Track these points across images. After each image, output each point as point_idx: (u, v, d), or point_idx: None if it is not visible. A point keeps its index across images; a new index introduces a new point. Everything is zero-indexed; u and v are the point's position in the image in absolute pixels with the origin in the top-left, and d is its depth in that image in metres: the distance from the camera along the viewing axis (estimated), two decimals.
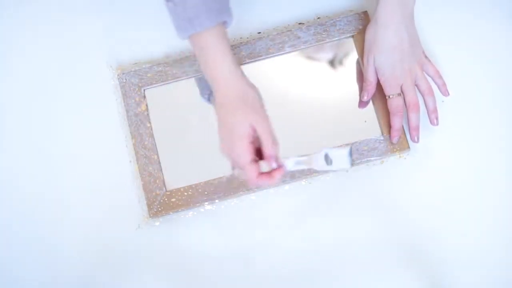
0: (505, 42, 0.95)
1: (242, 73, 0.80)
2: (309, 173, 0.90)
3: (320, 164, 0.79)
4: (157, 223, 0.92)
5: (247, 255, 0.90)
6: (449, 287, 0.88)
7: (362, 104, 0.93)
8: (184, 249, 0.91)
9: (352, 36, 0.95)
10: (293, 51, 0.95)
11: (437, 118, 0.89)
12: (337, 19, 0.95)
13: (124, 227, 0.92)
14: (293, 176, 0.91)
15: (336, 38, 0.95)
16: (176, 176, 0.92)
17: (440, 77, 0.90)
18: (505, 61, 0.95)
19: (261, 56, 0.95)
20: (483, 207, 0.90)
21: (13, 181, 0.94)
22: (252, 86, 0.80)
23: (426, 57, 0.90)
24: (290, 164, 0.80)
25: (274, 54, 0.95)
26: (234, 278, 0.90)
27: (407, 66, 0.87)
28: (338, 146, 0.88)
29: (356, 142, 0.91)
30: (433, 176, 0.91)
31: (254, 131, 0.77)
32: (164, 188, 0.91)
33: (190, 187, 0.91)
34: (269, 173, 0.77)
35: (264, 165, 0.78)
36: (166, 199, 0.91)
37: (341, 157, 0.79)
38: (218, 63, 0.78)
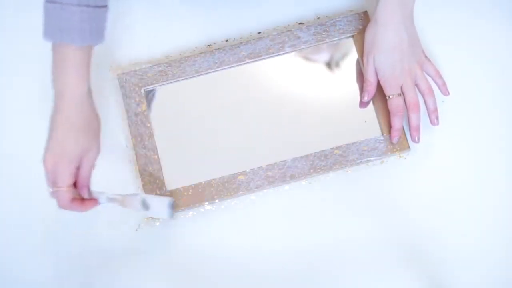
0: (505, 42, 0.95)
1: (92, 100, 0.81)
2: (308, 173, 0.91)
3: (135, 206, 0.85)
4: (157, 223, 0.92)
5: (247, 255, 0.90)
6: (449, 287, 0.88)
7: (362, 104, 0.93)
8: (184, 249, 0.91)
9: (352, 36, 0.95)
10: (293, 51, 0.95)
11: (437, 118, 0.89)
12: (337, 19, 0.95)
13: (124, 227, 0.91)
14: (293, 176, 0.91)
15: (336, 38, 0.95)
16: (176, 176, 0.92)
17: (440, 77, 0.90)
18: (505, 61, 0.95)
19: (261, 56, 0.95)
20: (483, 207, 0.90)
21: (13, 181, 0.94)
22: (97, 116, 0.82)
23: (426, 57, 0.90)
24: (102, 198, 0.84)
25: (274, 54, 0.95)
26: (234, 278, 0.90)
27: (407, 66, 0.87)
28: (159, 196, 0.89)
29: (356, 142, 0.91)
30: (433, 176, 0.91)
31: (82, 159, 0.80)
32: (164, 188, 0.91)
33: (190, 187, 0.91)
34: (82, 200, 0.82)
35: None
36: None
37: (160, 206, 0.85)
38: (74, 84, 0.78)
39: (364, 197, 0.91)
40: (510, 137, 0.92)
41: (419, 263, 0.89)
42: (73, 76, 0.78)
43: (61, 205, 0.81)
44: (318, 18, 0.97)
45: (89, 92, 0.80)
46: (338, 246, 0.90)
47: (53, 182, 0.81)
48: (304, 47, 0.95)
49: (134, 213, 0.92)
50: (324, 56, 0.96)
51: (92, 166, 0.82)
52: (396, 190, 0.91)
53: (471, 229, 0.89)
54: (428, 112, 0.89)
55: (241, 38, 0.97)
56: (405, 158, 0.92)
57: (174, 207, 0.88)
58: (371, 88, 0.90)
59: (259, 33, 0.97)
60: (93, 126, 0.81)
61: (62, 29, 0.76)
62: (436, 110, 0.89)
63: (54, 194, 0.81)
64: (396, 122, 0.89)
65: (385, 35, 0.87)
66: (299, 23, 0.97)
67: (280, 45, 0.95)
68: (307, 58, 0.96)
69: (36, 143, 0.95)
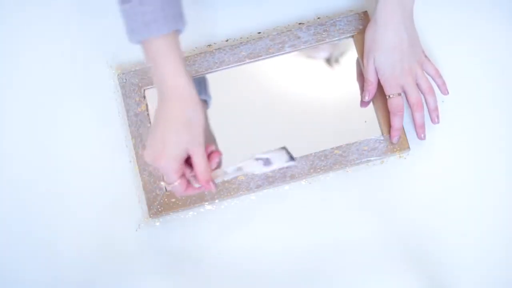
0: (505, 42, 0.95)
1: (193, 88, 0.77)
2: (308, 173, 0.91)
3: (257, 167, 0.79)
4: (157, 223, 0.92)
5: (247, 255, 0.90)
6: (449, 287, 0.88)
7: (363, 104, 0.93)
8: (184, 249, 0.91)
9: (352, 36, 0.95)
10: (293, 51, 0.95)
11: (438, 116, 0.89)
12: (337, 19, 0.95)
13: (124, 228, 0.92)
14: (293, 176, 0.91)
15: (336, 38, 0.95)
16: None
17: (440, 76, 0.90)
18: (505, 61, 0.95)
19: (261, 56, 0.95)
20: (483, 207, 0.90)
21: (13, 181, 0.94)
22: (200, 106, 0.78)
23: (425, 56, 0.90)
24: (225, 175, 0.80)
25: (274, 54, 0.95)
26: (234, 278, 0.90)
27: (407, 65, 0.87)
28: (269, 151, 0.83)
29: (356, 142, 0.91)
30: (433, 176, 0.91)
31: (188, 156, 0.77)
32: (164, 188, 0.91)
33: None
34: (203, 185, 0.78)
35: (194, 181, 0.79)
36: (166, 199, 0.91)
37: (278, 157, 0.79)
38: (171, 75, 0.76)
39: (364, 197, 0.91)
40: (510, 137, 0.92)
41: (419, 263, 0.89)
42: (170, 68, 0.76)
43: (178, 195, 0.80)
44: (318, 18, 0.97)
45: (189, 81, 0.77)
46: (338, 246, 0.90)
47: (164, 177, 0.79)
48: (304, 47, 0.95)
49: (134, 213, 0.92)
50: (324, 56, 0.96)
51: (203, 161, 0.77)
52: (396, 190, 0.91)
53: (471, 229, 0.89)
54: (429, 111, 0.90)
55: (241, 38, 0.97)
56: (405, 158, 0.92)
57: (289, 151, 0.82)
58: (371, 88, 0.90)
59: (259, 33, 0.97)
60: (195, 121, 0.77)
61: (146, 23, 0.74)
62: (436, 109, 0.89)
63: (167, 186, 0.79)
64: (396, 122, 0.89)
65: (385, 35, 0.87)
66: (299, 23, 0.97)
67: (280, 45, 0.95)
68: (308, 56, 0.96)
69: (36, 143, 0.95)
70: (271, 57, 0.95)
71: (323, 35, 0.95)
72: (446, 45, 0.95)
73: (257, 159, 0.80)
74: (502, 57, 0.95)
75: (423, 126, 0.89)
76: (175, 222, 0.92)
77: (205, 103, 0.77)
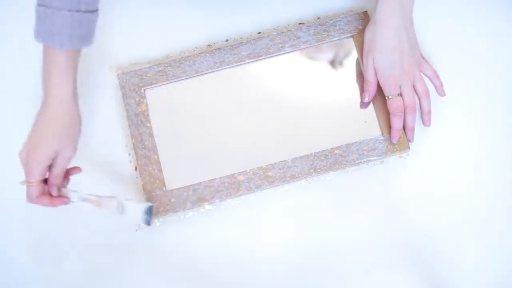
0: (505, 42, 0.95)
1: (76, 105, 0.83)
2: (308, 173, 0.91)
3: (111, 209, 0.85)
4: (157, 223, 0.92)
5: (247, 255, 0.90)
6: (449, 287, 0.88)
7: (363, 105, 0.93)
8: (184, 249, 0.91)
9: (352, 36, 0.95)
10: (293, 51, 0.95)
11: (430, 120, 0.90)
12: (337, 19, 0.95)
13: (124, 228, 0.92)
14: (293, 176, 0.91)
15: (336, 38, 0.95)
16: (176, 176, 0.92)
17: (438, 77, 0.90)
18: (505, 61, 0.95)
19: (261, 56, 0.95)
20: (483, 207, 0.90)
21: (13, 181, 0.94)
22: (78, 115, 0.84)
23: (423, 58, 0.90)
24: (74, 197, 0.85)
25: (274, 54, 0.95)
26: (234, 278, 0.90)
27: (406, 66, 0.88)
28: (138, 201, 0.90)
29: (356, 142, 0.91)
30: (433, 176, 0.91)
31: (56, 157, 0.81)
32: (164, 188, 0.91)
33: (190, 187, 0.91)
34: (52, 196, 0.83)
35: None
36: (166, 199, 0.91)
37: (136, 211, 0.85)
38: (59, 85, 0.81)
39: (364, 197, 0.91)
40: (510, 137, 0.92)
41: (419, 263, 0.89)
42: (59, 78, 0.81)
43: (28, 199, 0.83)
44: (318, 18, 0.97)
45: (74, 93, 0.83)
46: (338, 246, 0.90)
47: (25, 175, 0.83)
48: (304, 47, 0.95)
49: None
50: (324, 56, 0.96)
51: (64, 166, 0.83)
52: (396, 190, 0.91)
53: (471, 229, 0.89)
54: (422, 114, 0.90)
55: (241, 38, 0.97)
56: (405, 158, 0.92)
57: (152, 214, 0.87)
58: (371, 88, 0.90)
59: (259, 33, 0.97)
60: (73, 126, 0.83)
61: (52, 33, 0.78)
62: (430, 112, 0.90)
63: (25, 185, 0.83)
64: (396, 122, 0.89)
65: (385, 35, 0.87)
66: (299, 23, 0.97)
67: (280, 45, 0.95)
68: (308, 56, 0.96)
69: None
70: (271, 57, 0.95)
71: (323, 35, 0.95)
72: (445, 45, 0.95)
73: (114, 199, 0.85)
74: (502, 57, 0.95)
75: (413, 129, 0.90)
76: (175, 222, 0.92)
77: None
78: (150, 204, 0.87)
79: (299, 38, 0.95)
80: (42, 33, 0.79)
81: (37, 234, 0.92)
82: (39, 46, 0.98)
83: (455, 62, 0.95)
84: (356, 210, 0.91)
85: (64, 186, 0.86)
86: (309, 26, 0.96)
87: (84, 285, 0.90)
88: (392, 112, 0.89)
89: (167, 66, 0.95)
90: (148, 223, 0.86)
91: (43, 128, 0.82)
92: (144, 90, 0.95)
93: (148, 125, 0.94)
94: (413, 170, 0.92)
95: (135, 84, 0.95)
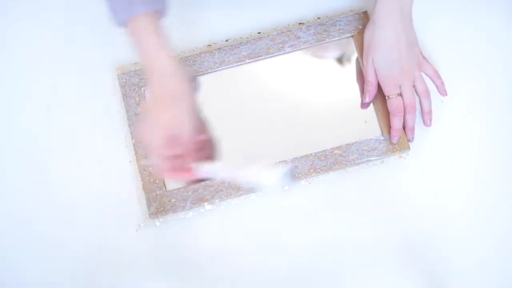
0: (505, 42, 0.95)
1: (178, 65, 0.80)
2: (308, 173, 0.90)
3: (249, 179, 0.77)
4: (157, 223, 0.92)
5: (247, 255, 0.90)
6: (449, 287, 0.88)
7: (364, 105, 0.93)
8: (184, 249, 0.91)
9: (352, 36, 0.95)
10: (293, 51, 0.95)
11: (430, 120, 0.90)
12: (337, 19, 0.95)
13: (124, 228, 0.92)
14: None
15: (336, 38, 0.95)
16: None
17: (439, 77, 0.90)
18: (505, 61, 0.95)
19: (261, 56, 0.95)
20: (484, 207, 0.90)
21: (13, 181, 0.94)
22: (187, 80, 0.80)
23: (424, 57, 0.90)
24: (209, 171, 0.80)
25: (274, 54, 0.95)
26: (234, 278, 0.90)
27: (406, 66, 0.88)
28: (273, 166, 0.80)
29: (356, 142, 0.91)
30: (433, 176, 0.91)
31: (179, 129, 0.79)
32: (164, 188, 0.91)
33: (190, 187, 0.91)
34: (181, 170, 0.80)
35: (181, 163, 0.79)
36: (166, 199, 0.91)
37: (273, 176, 0.76)
38: (154, 54, 0.78)
39: (364, 197, 0.91)
40: (510, 137, 0.92)
41: (419, 263, 0.89)
42: (154, 44, 0.78)
43: (159, 174, 0.82)
44: (318, 18, 0.97)
45: (172, 58, 0.79)
46: (338, 246, 0.90)
47: (150, 151, 0.81)
48: (304, 47, 0.95)
49: (134, 213, 0.92)
50: (324, 56, 0.96)
51: (190, 135, 0.80)
52: (396, 190, 0.91)
53: (471, 229, 0.89)
54: (422, 114, 0.90)
55: (241, 38, 0.97)
56: (405, 158, 0.92)
57: (294, 174, 0.84)
58: (372, 88, 0.90)
59: (259, 33, 0.97)
60: (183, 94, 0.80)
61: (129, 2, 0.76)
62: (430, 112, 0.90)
63: (152, 164, 0.81)
64: (396, 122, 0.89)
65: (383, 35, 0.87)
66: (299, 23, 0.97)
67: (280, 45, 0.95)
68: (308, 56, 0.96)
69: (36, 143, 0.95)
70: (271, 57, 0.95)
71: (323, 35, 0.95)
72: (445, 45, 0.95)
73: (251, 168, 0.78)
74: (502, 57, 0.95)
75: (413, 128, 0.90)
76: (175, 222, 0.92)
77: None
78: (289, 167, 0.81)
79: (299, 38, 0.95)
80: (120, 9, 0.77)
81: (38, 234, 0.92)
82: (40, 47, 0.98)
83: (455, 62, 0.95)
84: (356, 210, 0.91)
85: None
86: (309, 26, 0.96)
87: (84, 285, 0.90)
88: (391, 112, 0.89)
89: None
90: (290, 183, 0.79)
91: (159, 109, 0.78)
92: (144, 90, 0.95)
93: None
94: (413, 170, 0.91)
95: (135, 84, 0.95)
